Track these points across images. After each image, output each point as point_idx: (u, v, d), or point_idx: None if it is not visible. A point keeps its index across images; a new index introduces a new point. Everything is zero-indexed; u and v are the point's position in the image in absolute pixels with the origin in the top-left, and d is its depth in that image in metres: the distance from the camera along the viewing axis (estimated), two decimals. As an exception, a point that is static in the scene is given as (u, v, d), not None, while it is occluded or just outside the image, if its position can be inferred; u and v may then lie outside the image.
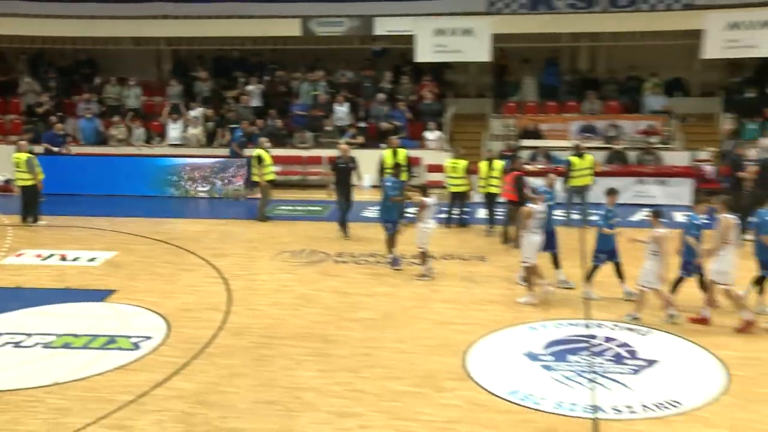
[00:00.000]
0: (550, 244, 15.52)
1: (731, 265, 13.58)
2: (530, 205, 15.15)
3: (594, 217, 17.75)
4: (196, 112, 26.13)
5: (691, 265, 14.16)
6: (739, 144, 21.62)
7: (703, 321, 13.78)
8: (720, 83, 26.54)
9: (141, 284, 16.20)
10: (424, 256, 16.24)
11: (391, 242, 17.11)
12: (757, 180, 18.77)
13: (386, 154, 20.19)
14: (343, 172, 19.24)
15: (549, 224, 15.47)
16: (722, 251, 13.50)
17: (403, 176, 18.49)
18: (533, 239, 14.75)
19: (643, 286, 13.86)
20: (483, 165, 19.91)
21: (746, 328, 13.47)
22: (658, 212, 14.10)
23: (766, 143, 21.31)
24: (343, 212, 19.48)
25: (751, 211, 15.78)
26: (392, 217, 17.14)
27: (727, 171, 19.60)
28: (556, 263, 15.71)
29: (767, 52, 23.16)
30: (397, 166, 19.27)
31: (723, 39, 23.10)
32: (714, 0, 24.28)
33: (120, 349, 12.96)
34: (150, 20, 26.91)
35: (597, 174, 20.99)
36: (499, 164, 19.63)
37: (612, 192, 15.42)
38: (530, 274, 14.83)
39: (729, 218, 13.60)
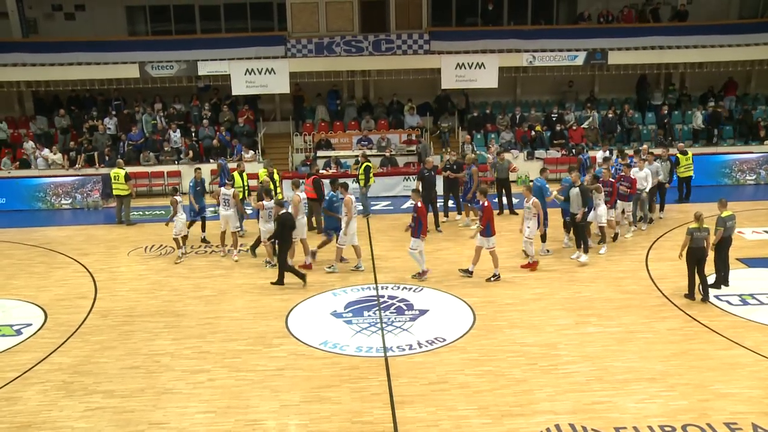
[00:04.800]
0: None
1: None
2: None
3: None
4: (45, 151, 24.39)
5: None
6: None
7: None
8: (455, 107, 27.60)
9: (19, 282, 15.18)
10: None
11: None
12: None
13: (236, 176, 19.14)
14: None
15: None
16: None
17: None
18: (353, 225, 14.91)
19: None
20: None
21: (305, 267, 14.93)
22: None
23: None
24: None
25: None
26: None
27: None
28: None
29: (481, 84, 24.49)
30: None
31: (454, 75, 24.20)
32: (446, 47, 25.46)
33: (4, 335, 12.19)
34: (11, 67, 24.97)
35: (376, 175, 21.37)
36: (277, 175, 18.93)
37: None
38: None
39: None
